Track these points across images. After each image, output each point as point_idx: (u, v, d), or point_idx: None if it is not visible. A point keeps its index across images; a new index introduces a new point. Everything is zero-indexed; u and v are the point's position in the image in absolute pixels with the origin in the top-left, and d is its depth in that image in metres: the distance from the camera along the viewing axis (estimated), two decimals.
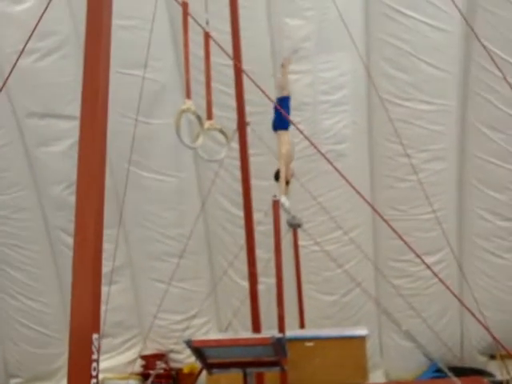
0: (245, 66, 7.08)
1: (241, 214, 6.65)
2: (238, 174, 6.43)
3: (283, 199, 6.84)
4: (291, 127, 7.17)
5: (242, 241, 7.07)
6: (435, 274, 5.80)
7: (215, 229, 10.12)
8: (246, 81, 6.24)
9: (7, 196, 10.03)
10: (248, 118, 7.10)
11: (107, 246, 8.29)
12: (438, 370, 9.11)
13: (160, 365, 9.70)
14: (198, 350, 4.39)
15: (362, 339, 6.28)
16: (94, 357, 2.47)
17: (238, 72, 6.05)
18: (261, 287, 6.91)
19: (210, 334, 10.23)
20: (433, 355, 8.25)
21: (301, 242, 8.73)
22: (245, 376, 4.61)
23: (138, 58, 7.78)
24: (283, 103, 7.41)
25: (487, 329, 5.35)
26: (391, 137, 8.53)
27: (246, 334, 6.20)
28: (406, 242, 5.42)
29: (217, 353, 4.55)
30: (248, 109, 7.20)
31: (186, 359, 10.23)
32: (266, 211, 7.05)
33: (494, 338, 5.70)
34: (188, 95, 5.27)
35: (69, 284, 2.65)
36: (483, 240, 9.86)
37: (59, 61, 9.13)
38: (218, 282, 9.64)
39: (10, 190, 10.02)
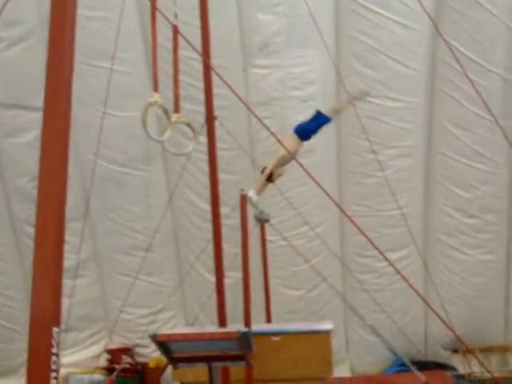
0: (214, 60, 7.05)
1: (208, 207, 6.63)
2: (206, 167, 6.40)
3: (251, 193, 6.82)
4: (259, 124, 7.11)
5: (210, 235, 7.05)
6: (398, 272, 5.85)
7: (182, 222, 10.09)
8: (214, 75, 6.21)
9: None
10: (216, 112, 7.07)
11: (73, 239, 8.27)
12: (403, 365, 9.21)
13: (126, 359, 9.63)
14: (163, 344, 4.37)
15: (327, 334, 6.33)
16: (54, 350, 2.44)
17: (207, 67, 6.01)
18: (228, 281, 6.90)
19: (177, 328, 10.21)
20: (397, 350, 8.33)
21: (268, 237, 8.76)
22: (210, 370, 4.60)
23: (106, 49, 7.70)
24: (320, 118, 7.21)
25: (449, 326, 5.42)
26: (359, 133, 8.57)
27: (212, 328, 6.21)
28: (368, 239, 5.44)
29: (182, 347, 4.54)
30: (216, 102, 7.17)
31: (152, 353, 10.19)
32: (233, 205, 7.05)
33: (455, 334, 5.79)
34: (155, 88, 5.23)
35: None
36: (448, 236, 10.01)
37: (26, 51, 8.96)
38: (184, 275, 9.60)
39: None
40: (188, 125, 5.84)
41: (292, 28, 9.02)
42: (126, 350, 9.93)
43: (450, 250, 9.99)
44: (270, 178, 6.94)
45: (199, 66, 7.36)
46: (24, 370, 10.34)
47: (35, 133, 9.20)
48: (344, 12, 8.96)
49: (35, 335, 2.45)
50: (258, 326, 6.78)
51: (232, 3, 8.88)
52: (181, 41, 5.97)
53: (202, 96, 7.21)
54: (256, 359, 5.62)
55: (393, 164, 9.39)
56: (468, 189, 9.67)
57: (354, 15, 8.88)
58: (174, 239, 10.26)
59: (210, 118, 6.03)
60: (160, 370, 9.85)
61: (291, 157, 6.54)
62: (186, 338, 4.52)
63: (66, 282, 7.71)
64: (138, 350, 10.54)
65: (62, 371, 9.81)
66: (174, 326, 10.38)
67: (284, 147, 5.90)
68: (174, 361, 4.59)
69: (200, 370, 4.86)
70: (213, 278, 6.85)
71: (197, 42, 6.59)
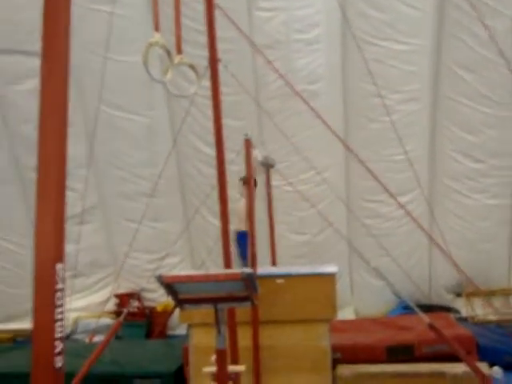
0: (217, 2, 6.90)
1: (213, 153, 6.59)
2: (210, 112, 6.33)
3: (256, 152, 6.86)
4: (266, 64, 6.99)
5: (214, 180, 7.05)
6: (408, 213, 5.89)
7: (187, 168, 10.08)
8: (218, 18, 6.09)
9: None
10: (220, 56, 6.96)
11: (78, 186, 8.26)
12: (406, 307, 9.34)
13: (133, 303, 9.78)
14: (169, 285, 4.39)
15: (331, 276, 6.35)
16: (59, 286, 2.47)
17: (210, 5, 5.88)
18: (233, 226, 6.93)
19: (183, 271, 10.32)
20: (401, 293, 8.43)
21: (273, 182, 8.75)
22: (216, 311, 4.65)
23: None
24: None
25: (455, 264, 5.46)
26: (365, 77, 8.45)
27: (218, 270, 6.26)
28: (381, 183, 5.46)
29: (188, 288, 4.56)
30: (220, 46, 7.05)
31: (159, 298, 10.34)
32: (238, 151, 7.02)
33: (462, 272, 5.83)
34: (156, 28, 5.14)
35: None
36: (454, 181, 10.00)
37: None
38: (190, 221, 9.65)
39: None
40: (191, 66, 5.75)
41: None
42: (134, 295, 10.06)
43: (455, 194, 9.98)
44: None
45: (201, 8, 7.21)
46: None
47: (38, 80, 9.13)
48: None
49: (39, 272, 2.47)
50: (263, 268, 6.84)
51: None
52: None
53: (204, 40, 7.10)
54: (261, 301, 5.68)
55: (399, 108, 9.31)
56: (475, 133, 9.60)
57: None
58: (179, 185, 10.29)
59: (213, 60, 5.92)
60: (167, 313, 10.02)
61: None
62: (191, 279, 4.54)
63: (73, 229, 7.80)
64: (146, 294, 10.69)
65: (71, 315, 10.01)
66: (181, 271, 10.49)
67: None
68: (181, 302, 4.62)
69: (206, 312, 4.91)
70: (218, 223, 6.87)
71: None
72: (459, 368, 6.09)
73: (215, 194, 6.53)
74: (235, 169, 7.55)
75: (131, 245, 7.94)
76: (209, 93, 6.92)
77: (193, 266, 10.70)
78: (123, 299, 10.53)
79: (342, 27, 9.06)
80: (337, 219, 9.67)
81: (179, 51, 5.61)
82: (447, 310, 10.08)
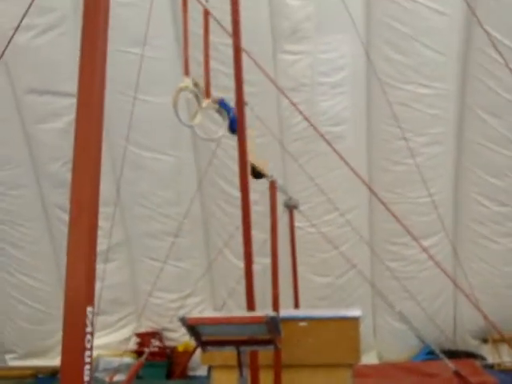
0: (244, 46, 7.04)
1: (237, 194, 6.63)
2: (236, 154, 6.41)
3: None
4: (291, 107, 7.06)
5: (238, 221, 7.08)
6: (431, 258, 5.83)
7: (212, 208, 10.14)
8: (245, 61, 6.21)
9: (4, 172, 10.04)
10: (246, 99, 7.07)
11: (104, 224, 8.35)
12: (431, 353, 9.18)
13: (154, 342, 9.75)
14: (192, 327, 4.41)
15: (355, 320, 6.29)
16: (89, 329, 2.49)
17: (237, 50, 6.00)
18: (256, 267, 6.92)
19: (205, 313, 10.29)
20: (426, 338, 8.31)
21: (297, 224, 8.75)
22: (238, 354, 4.64)
23: (138, 35, 7.73)
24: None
25: (480, 310, 5.40)
26: (390, 120, 8.51)
27: (241, 312, 6.25)
28: (404, 226, 5.44)
29: (211, 330, 4.57)
30: (246, 89, 7.17)
31: (180, 337, 10.31)
32: (262, 192, 7.06)
33: (488, 319, 5.76)
34: (186, 72, 5.25)
35: (65, 261, 2.68)
36: (479, 225, 9.91)
37: (58, 37, 9.09)
38: (213, 261, 9.67)
39: (7, 167, 10.02)
40: (219, 110, 5.85)
41: (322, 13, 8.97)
42: (155, 334, 10.05)
43: (480, 238, 9.89)
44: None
45: (229, 52, 7.35)
46: (56, 350, 10.58)
47: (67, 118, 9.32)
48: None
49: (70, 315, 2.50)
50: (286, 311, 6.80)
51: None
52: (211, 26, 5.97)
53: (231, 83, 7.23)
54: (284, 344, 5.64)
55: (424, 151, 9.31)
56: (500, 177, 9.55)
57: (384, 0, 8.78)
58: (203, 225, 10.33)
59: (240, 103, 6.01)
60: (188, 353, 9.96)
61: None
62: (215, 321, 4.55)
63: (97, 266, 7.86)
64: (167, 333, 10.67)
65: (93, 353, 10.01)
66: (202, 311, 10.47)
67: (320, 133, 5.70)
68: (203, 344, 4.63)
69: (228, 354, 4.89)
70: (241, 264, 6.86)
71: (227, 27, 6.59)
72: None
73: (238, 235, 6.55)
74: (259, 209, 7.60)
75: (154, 284, 7.98)
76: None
77: (214, 306, 10.67)
78: (144, 338, 10.52)
79: (366, 71, 9.15)
80: (360, 261, 9.63)
81: (208, 95, 5.71)
82: (473, 356, 9.90)
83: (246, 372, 4.45)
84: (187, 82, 5.15)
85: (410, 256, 9.65)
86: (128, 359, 10.14)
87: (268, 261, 6.97)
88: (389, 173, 9.65)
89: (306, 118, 6.06)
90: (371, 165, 9.75)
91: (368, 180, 9.37)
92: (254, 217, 7.13)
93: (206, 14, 5.75)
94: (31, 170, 10.10)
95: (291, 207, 8.27)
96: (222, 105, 6.27)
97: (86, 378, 2.46)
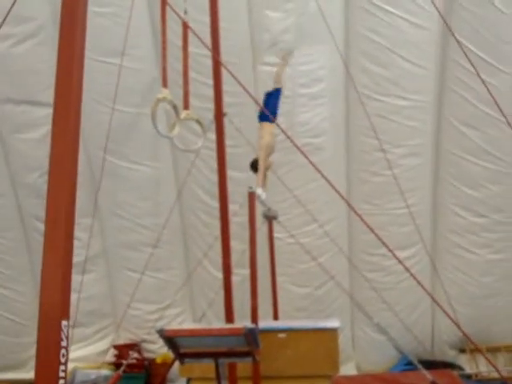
0: (223, 57, 7.07)
1: (216, 204, 6.64)
2: (215, 164, 6.42)
3: (259, 191, 6.86)
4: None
5: (218, 232, 7.07)
6: (407, 269, 5.85)
7: (191, 219, 10.11)
8: (224, 72, 6.23)
9: None
10: (226, 109, 7.09)
11: (82, 235, 8.30)
12: (409, 363, 9.20)
13: (132, 354, 9.65)
14: (170, 339, 4.39)
15: (334, 331, 6.32)
16: (63, 344, 2.46)
17: (216, 63, 6.02)
18: (235, 278, 6.91)
19: (184, 324, 10.23)
20: (404, 348, 8.34)
21: (276, 234, 8.76)
22: (217, 366, 4.62)
23: (117, 46, 7.72)
24: (274, 95, 7.53)
25: (456, 324, 5.42)
26: (368, 131, 8.58)
27: (219, 324, 6.23)
28: (378, 237, 5.45)
29: (189, 342, 4.56)
30: (226, 100, 7.20)
31: (159, 349, 10.22)
32: (241, 203, 7.06)
33: (464, 333, 5.79)
34: (164, 84, 5.25)
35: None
36: (456, 235, 9.98)
37: (36, 47, 9.01)
38: (192, 272, 9.63)
39: None
40: (197, 121, 5.86)
41: (301, 25, 9.03)
42: (133, 346, 9.95)
43: (457, 249, 9.96)
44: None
45: (208, 63, 7.38)
46: (32, 363, 10.43)
47: (45, 128, 9.25)
48: (354, 9, 8.95)
49: (44, 328, 2.47)
50: (265, 322, 6.79)
51: (242, 0, 8.89)
52: (190, 38, 5.98)
53: (211, 93, 7.24)
54: (262, 356, 5.64)
55: (401, 163, 9.38)
56: (476, 188, 9.64)
57: (363, 13, 8.87)
58: (182, 236, 10.29)
59: (219, 115, 6.04)
60: (167, 365, 9.87)
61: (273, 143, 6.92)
62: (193, 333, 4.54)
63: (75, 278, 7.79)
64: (145, 345, 10.57)
65: (69, 366, 9.86)
66: (182, 323, 10.41)
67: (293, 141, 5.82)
68: (181, 356, 4.61)
69: (207, 366, 4.88)
70: (220, 275, 6.87)
71: (206, 39, 6.61)
72: None
73: (218, 246, 6.55)
74: (238, 220, 7.61)
75: (133, 295, 7.92)
76: (214, 145, 7.04)
77: (193, 317, 10.62)
78: (122, 350, 10.41)
79: (345, 82, 9.21)
80: (339, 272, 9.66)
81: (186, 106, 5.72)
82: (450, 366, 9.93)
83: None
84: (165, 93, 5.15)
85: (388, 267, 9.69)
86: (106, 371, 10.03)
87: (247, 272, 6.97)
88: (367, 184, 9.70)
89: (282, 130, 6.08)
90: (350, 176, 9.80)
91: (346, 191, 9.43)
92: (233, 228, 7.16)
93: (185, 26, 5.76)
94: (8, 181, 9.97)
95: (270, 218, 8.30)
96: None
97: None
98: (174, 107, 5.33)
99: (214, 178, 6.77)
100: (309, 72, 9.26)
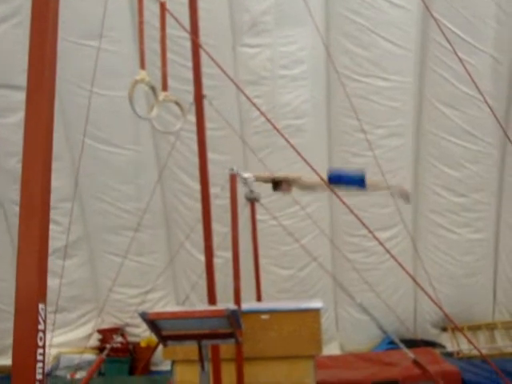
0: (203, 39, 6.99)
1: (198, 187, 6.61)
2: (195, 147, 6.38)
3: (248, 174, 6.87)
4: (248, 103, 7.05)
5: (199, 214, 7.04)
6: (387, 251, 5.87)
7: (172, 202, 10.07)
8: (203, 54, 6.17)
9: None
10: (205, 92, 7.03)
11: (63, 220, 8.21)
12: (392, 343, 9.31)
13: (116, 338, 9.66)
14: (153, 322, 4.38)
15: (316, 312, 6.33)
16: (41, 327, 2.44)
17: (195, 45, 5.96)
18: (218, 261, 6.90)
19: (168, 307, 10.23)
20: (386, 328, 8.39)
21: (258, 217, 8.74)
22: (200, 348, 4.62)
23: (94, 28, 7.61)
24: (357, 179, 6.88)
25: (438, 305, 5.47)
26: (349, 112, 8.57)
27: (202, 306, 6.23)
28: (358, 218, 5.46)
29: (171, 325, 4.54)
30: (205, 82, 7.13)
31: (143, 333, 10.22)
32: (222, 185, 7.03)
33: (444, 313, 5.83)
34: (142, 66, 5.19)
35: None
36: (437, 215, 10.06)
37: (13, 29, 8.87)
38: (174, 255, 9.61)
39: None
40: (176, 103, 5.81)
41: (281, 6, 8.97)
42: (117, 330, 9.94)
43: (438, 228, 10.05)
44: (275, 185, 6.93)
45: (188, 45, 7.29)
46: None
47: (23, 113, 9.12)
48: None
49: (21, 312, 2.45)
50: (248, 304, 6.81)
51: None
52: (169, 19, 5.91)
53: (190, 75, 7.18)
54: (245, 337, 5.66)
55: (383, 143, 9.41)
56: (457, 168, 9.71)
57: None
58: (164, 219, 10.25)
59: (198, 97, 5.99)
60: (151, 349, 9.90)
61: (302, 187, 6.55)
62: (175, 316, 4.53)
63: (56, 263, 7.74)
64: (129, 329, 10.55)
65: (53, 351, 9.85)
66: (165, 306, 10.41)
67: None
68: (164, 339, 4.60)
69: (190, 349, 4.88)
70: (203, 258, 6.86)
71: (185, 20, 6.53)
72: None
73: (200, 228, 6.53)
74: (220, 203, 7.58)
75: (115, 279, 7.89)
76: (194, 127, 6.99)
77: (177, 300, 10.61)
78: (106, 334, 10.39)
79: (326, 63, 9.19)
80: (321, 254, 9.70)
81: (165, 88, 5.66)
82: (432, 344, 10.07)
83: (208, 366, 4.42)
84: (143, 74, 5.09)
85: (370, 247, 9.75)
86: (90, 356, 10.02)
87: (230, 255, 6.96)
88: (348, 165, 9.67)
89: (261, 112, 6.02)
90: (331, 157, 9.81)
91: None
92: (215, 210, 7.12)
93: (163, 6, 5.69)
94: None
95: (252, 200, 8.27)
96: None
97: (39, 377, 2.41)
98: (153, 89, 5.28)
99: (195, 160, 6.73)
100: (289, 53, 9.23)
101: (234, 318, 4.37)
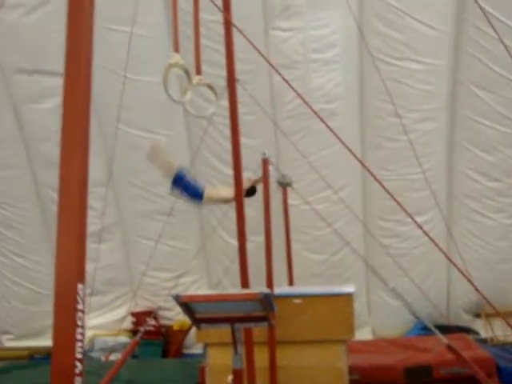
0: (235, 23, 6.97)
1: (230, 172, 6.62)
2: (228, 132, 6.38)
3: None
4: (283, 84, 7.01)
5: None
6: (426, 233, 5.85)
7: None
8: (236, 39, 6.15)
9: None
10: (238, 77, 7.02)
11: (97, 205, 8.32)
12: (424, 328, 9.24)
13: (150, 321, 9.78)
14: (186, 305, 4.39)
15: (349, 296, 6.32)
16: (80, 307, 2.48)
17: (228, 26, 5.94)
18: (250, 246, 6.92)
19: (200, 291, 10.31)
20: (419, 313, 8.36)
21: (290, 201, 8.74)
22: (233, 331, 4.63)
23: (127, 13, 7.63)
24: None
25: (473, 285, 5.42)
26: (382, 96, 8.46)
27: (235, 290, 6.26)
28: (398, 203, 5.45)
29: (205, 308, 4.55)
30: (238, 67, 7.12)
31: (175, 316, 10.34)
32: (255, 169, 7.03)
33: (482, 294, 5.77)
34: (176, 49, 5.19)
35: None
36: (472, 200, 9.93)
37: (48, 15, 8.94)
38: (206, 239, 9.67)
39: None
40: (209, 86, 5.80)
41: None
42: (150, 313, 10.07)
43: (473, 213, 9.92)
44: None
45: (219, 29, 7.28)
46: (51, 331, 10.61)
47: (58, 98, 9.21)
48: None
49: (60, 292, 2.48)
50: (280, 288, 6.83)
51: None
52: (202, 2, 5.91)
53: (222, 60, 7.17)
54: (278, 321, 5.67)
55: (416, 127, 9.29)
56: (492, 152, 9.55)
57: None
58: None
59: (231, 80, 5.97)
60: (183, 332, 10.00)
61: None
62: (208, 299, 4.54)
63: (91, 247, 7.86)
64: (162, 313, 10.70)
65: (88, 333, 10.03)
66: (197, 290, 10.50)
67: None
68: (197, 322, 4.62)
69: (223, 332, 4.89)
70: (235, 242, 6.89)
71: (218, 3, 6.52)
72: None
73: (232, 213, 6.55)
74: None
75: (148, 263, 7.97)
76: (226, 112, 6.99)
77: (209, 284, 10.70)
78: (140, 318, 10.54)
79: (359, 47, 9.10)
80: (354, 238, 9.65)
81: (198, 72, 5.66)
82: (466, 330, 9.97)
83: (241, 349, 4.44)
84: (177, 58, 5.10)
85: (403, 233, 9.68)
86: (124, 338, 10.18)
87: (262, 239, 6.98)
88: (382, 149, 9.64)
89: (299, 96, 6.03)
90: (364, 142, 9.74)
91: (361, 157, 9.29)
92: None
93: None
94: (23, 151, 10.03)
95: (284, 185, 8.27)
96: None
97: (78, 356, 2.45)
98: (186, 72, 5.28)
99: (227, 145, 6.73)
100: (321, 37, 9.15)
101: (267, 301, 4.36)
